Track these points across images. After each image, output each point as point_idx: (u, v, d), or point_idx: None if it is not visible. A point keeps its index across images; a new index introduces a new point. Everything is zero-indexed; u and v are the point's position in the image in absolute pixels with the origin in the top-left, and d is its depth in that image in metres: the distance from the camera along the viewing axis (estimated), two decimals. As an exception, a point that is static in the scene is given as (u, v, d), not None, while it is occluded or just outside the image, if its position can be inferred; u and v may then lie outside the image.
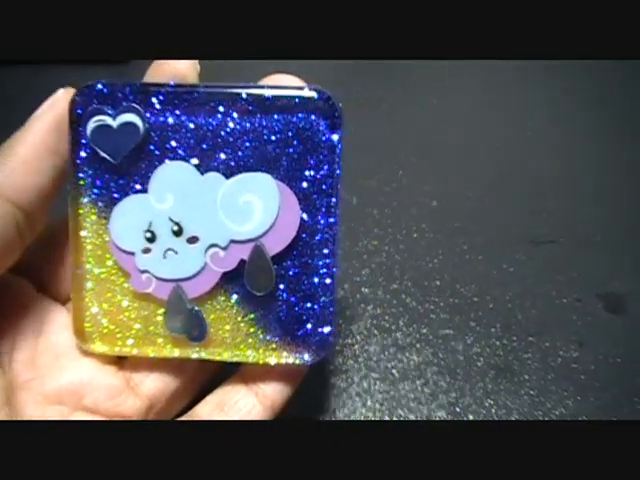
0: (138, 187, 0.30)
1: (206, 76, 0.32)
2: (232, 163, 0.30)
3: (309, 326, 0.32)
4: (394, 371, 0.42)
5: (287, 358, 0.32)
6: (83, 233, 0.31)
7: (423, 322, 0.44)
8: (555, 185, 0.55)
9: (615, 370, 0.42)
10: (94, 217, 0.31)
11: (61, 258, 0.33)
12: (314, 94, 0.30)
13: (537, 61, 0.62)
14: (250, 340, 0.32)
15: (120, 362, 0.33)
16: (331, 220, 0.31)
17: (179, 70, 0.31)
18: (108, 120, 0.30)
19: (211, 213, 0.30)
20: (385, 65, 0.66)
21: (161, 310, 0.31)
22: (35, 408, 0.30)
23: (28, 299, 0.32)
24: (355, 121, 0.56)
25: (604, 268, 0.49)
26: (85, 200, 0.31)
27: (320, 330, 0.32)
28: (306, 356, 0.32)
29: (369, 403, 0.40)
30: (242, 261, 0.30)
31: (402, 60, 0.64)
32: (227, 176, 0.30)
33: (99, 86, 0.30)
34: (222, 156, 0.30)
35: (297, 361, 0.32)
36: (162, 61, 0.31)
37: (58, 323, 0.33)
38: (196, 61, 0.32)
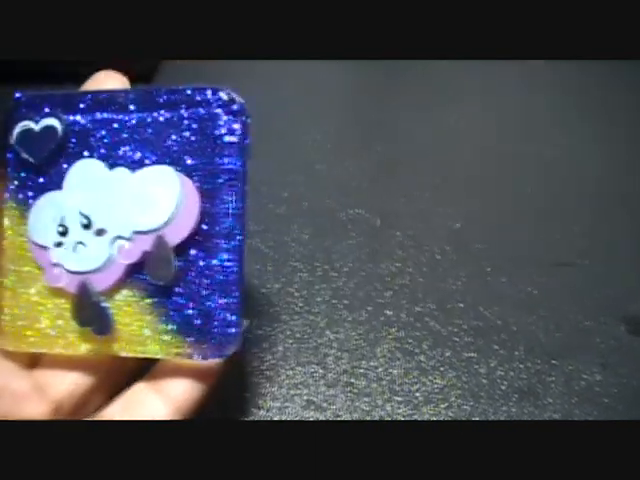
0: (56, 186, 0.32)
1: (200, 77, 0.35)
2: (139, 158, 0.32)
3: (214, 322, 0.31)
4: (417, 394, 0.42)
5: (195, 354, 0.31)
6: (7, 232, 0.33)
7: (446, 345, 0.45)
8: (578, 206, 0.55)
9: (638, 393, 0.42)
10: (16, 217, 0.33)
11: None
12: (218, 91, 0.31)
13: (562, 79, 0.65)
14: (156, 335, 0.32)
15: (32, 362, 0.33)
16: (235, 211, 0.31)
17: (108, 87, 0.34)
18: (31, 124, 0.32)
19: (117, 205, 0.31)
20: (401, 82, 0.67)
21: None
22: None
23: None
24: (375, 142, 0.56)
25: (627, 290, 0.49)
26: (9, 200, 0.33)
27: (227, 324, 0.31)
28: (213, 352, 0.31)
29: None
30: (146, 253, 0.31)
31: (420, 79, 0.66)
32: (134, 170, 0.31)
33: (25, 96, 0.33)
34: (130, 151, 0.32)
35: (203, 357, 0.31)
36: (96, 77, 0.35)
37: None
38: (125, 79, 0.35)
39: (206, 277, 0.31)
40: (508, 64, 0.66)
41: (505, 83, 0.67)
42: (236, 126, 0.31)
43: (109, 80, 0.34)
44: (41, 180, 0.33)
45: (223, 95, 0.31)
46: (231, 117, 0.31)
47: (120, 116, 0.32)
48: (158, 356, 0.31)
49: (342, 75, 0.66)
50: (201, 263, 0.31)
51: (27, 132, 0.33)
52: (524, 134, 0.61)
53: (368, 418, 0.40)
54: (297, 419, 0.40)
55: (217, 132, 0.31)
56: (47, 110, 0.32)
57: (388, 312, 0.46)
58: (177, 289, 0.31)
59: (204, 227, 0.31)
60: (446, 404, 0.42)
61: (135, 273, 0.31)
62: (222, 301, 0.31)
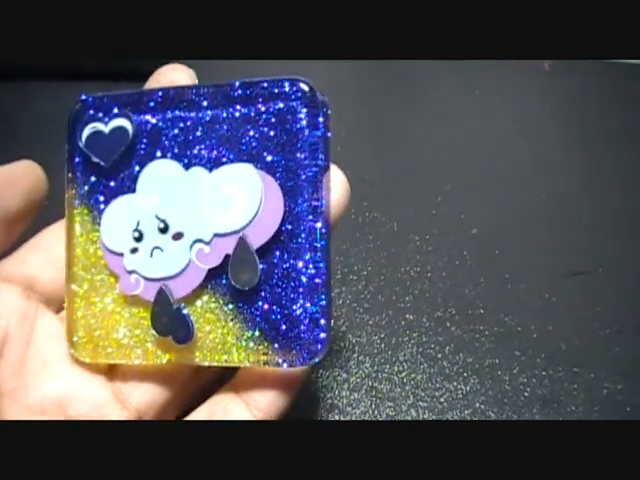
0: (128, 189, 0.32)
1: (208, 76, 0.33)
2: (215, 156, 0.31)
3: (302, 326, 0.30)
4: (442, 399, 0.42)
5: (280, 361, 0.30)
6: (78, 239, 0.32)
7: (469, 351, 0.45)
8: (596, 213, 0.55)
9: None
10: (88, 223, 0.32)
11: (53, 264, 0.33)
12: (297, 83, 0.30)
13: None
14: (239, 343, 0.31)
15: (111, 372, 0.33)
16: (318, 211, 0.30)
17: (176, 81, 0.33)
18: (100, 126, 0.32)
19: (194, 207, 0.30)
20: (419, 86, 0.67)
21: (149, 313, 0.31)
22: (17, 418, 0.31)
23: (16, 306, 0.32)
24: (391, 147, 0.56)
25: None
26: (79, 206, 0.32)
27: (314, 330, 0.30)
28: (301, 358, 0.30)
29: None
30: (227, 257, 0.30)
31: (435, 80, 0.66)
32: (210, 170, 0.30)
33: (93, 97, 0.32)
34: (205, 150, 0.31)
35: (290, 364, 0.30)
36: (160, 71, 0.34)
37: (49, 331, 0.33)
38: (192, 72, 0.34)
39: (291, 280, 0.30)
40: (524, 64, 0.67)
41: (522, 85, 0.67)
42: (317, 119, 0.30)
43: (175, 73, 0.33)
44: (112, 184, 0.32)
45: (303, 86, 0.30)
46: (312, 110, 0.30)
47: (192, 113, 0.31)
48: (243, 364, 0.31)
49: (356, 75, 0.67)
50: (285, 265, 0.30)
51: (96, 134, 0.32)
52: (543, 139, 0.62)
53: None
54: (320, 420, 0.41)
55: (297, 126, 0.30)
56: (116, 111, 0.32)
57: (409, 316, 0.47)
58: (261, 293, 0.30)
59: (288, 227, 0.30)
60: (470, 410, 0.42)
61: (216, 277, 0.31)
62: (309, 304, 0.30)
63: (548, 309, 0.48)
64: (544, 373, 0.44)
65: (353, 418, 0.40)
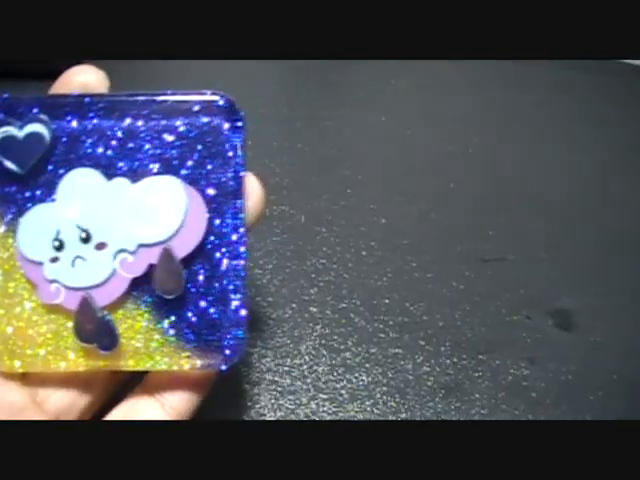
0: (46, 197, 0.31)
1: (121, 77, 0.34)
2: (138, 167, 0.31)
3: (221, 330, 0.31)
4: (343, 392, 0.43)
5: (201, 364, 0.31)
6: None
7: (372, 341, 0.46)
8: (502, 201, 0.57)
9: (566, 387, 0.44)
10: (1, 230, 0.32)
11: None
12: (216, 97, 0.31)
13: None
14: (162, 348, 0.32)
15: (26, 377, 0.33)
16: (238, 222, 0.31)
17: (87, 83, 0.32)
18: (14, 131, 0.31)
19: (118, 218, 0.31)
20: (331, 81, 0.67)
21: (71, 322, 0.31)
22: None
23: None
24: (301, 139, 0.55)
25: (553, 285, 0.51)
26: None
27: (232, 334, 0.31)
28: (219, 361, 0.31)
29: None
30: (151, 266, 0.31)
31: (348, 76, 0.64)
32: (134, 180, 0.31)
33: (4, 99, 0.31)
34: (128, 161, 0.31)
35: (211, 367, 0.32)
36: (70, 72, 0.32)
37: None
38: (103, 73, 0.32)
39: (211, 287, 0.31)
40: (441, 64, 0.68)
41: (436, 83, 0.68)
42: (238, 133, 0.31)
43: (86, 75, 0.32)
44: (28, 191, 0.31)
45: (225, 101, 0.31)
46: (232, 124, 0.31)
47: (112, 122, 0.31)
48: (165, 368, 0.32)
49: (264, 71, 0.67)
50: (207, 274, 0.32)
51: (9, 139, 0.31)
52: (449, 131, 0.63)
53: (293, 416, 0.42)
54: (219, 419, 0.40)
55: (219, 140, 0.31)
56: (31, 115, 0.31)
57: (313, 309, 0.48)
58: (182, 300, 0.31)
59: (211, 238, 0.31)
60: (371, 401, 0.43)
61: (139, 286, 0.31)
62: (228, 310, 0.31)
63: (455, 297, 0.50)
64: (448, 361, 0.45)
65: (252, 413, 0.39)
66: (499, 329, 0.47)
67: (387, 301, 0.48)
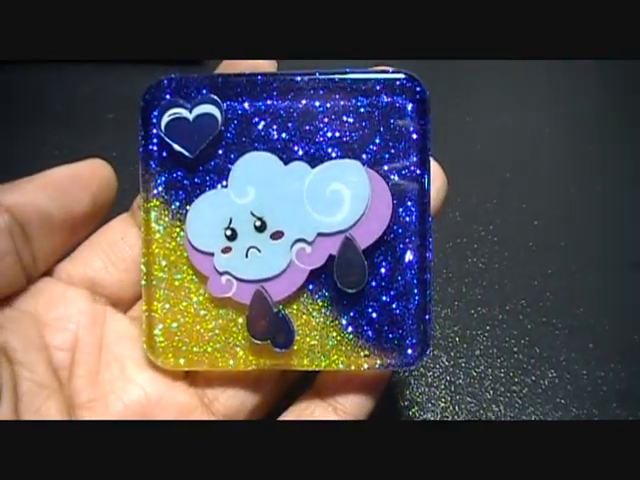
0: (216, 183, 0.30)
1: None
2: (317, 151, 0.29)
3: (404, 328, 0.29)
4: (521, 394, 0.41)
5: (380, 364, 0.30)
6: (156, 236, 0.30)
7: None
8: None
9: None
10: (167, 219, 0.30)
11: (116, 265, 0.32)
12: (399, 75, 0.29)
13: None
14: (340, 346, 0.30)
15: (192, 376, 0.32)
16: (423, 211, 0.29)
17: (256, 66, 0.31)
18: (184, 112, 0.29)
19: (296, 205, 0.29)
20: (464, 81, 0.61)
21: (242, 318, 0.30)
22: None
23: (84, 309, 0.31)
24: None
25: None
26: (157, 201, 0.30)
27: (416, 332, 0.29)
28: (401, 361, 0.30)
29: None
30: (330, 257, 0.29)
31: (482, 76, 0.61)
32: (312, 165, 0.29)
33: (172, 80, 0.30)
34: (306, 144, 0.29)
35: (391, 367, 0.30)
36: (232, 62, 0.31)
37: (121, 334, 0.32)
38: (274, 61, 0.32)
39: (394, 281, 0.29)
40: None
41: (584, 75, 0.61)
42: (423, 116, 0.29)
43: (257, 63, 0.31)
44: (197, 177, 0.30)
45: (411, 80, 0.29)
46: (419, 106, 0.29)
47: (286, 102, 0.29)
48: (344, 368, 0.30)
49: None
50: (390, 265, 0.30)
51: (178, 121, 0.29)
52: (598, 130, 0.57)
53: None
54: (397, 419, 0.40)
55: (403, 122, 0.29)
56: (202, 96, 0.30)
57: (481, 310, 0.45)
58: (363, 294, 0.30)
59: (394, 227, 0.29)
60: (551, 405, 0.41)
61: (317, 279, 0.30)
62: (412, 306, 0.29)
63: (617, 301, 0.45)
64: (620, 367, 0.42)
65: (429, 415, 0.40)
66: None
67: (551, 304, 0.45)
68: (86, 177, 0.30)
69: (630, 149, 0.55)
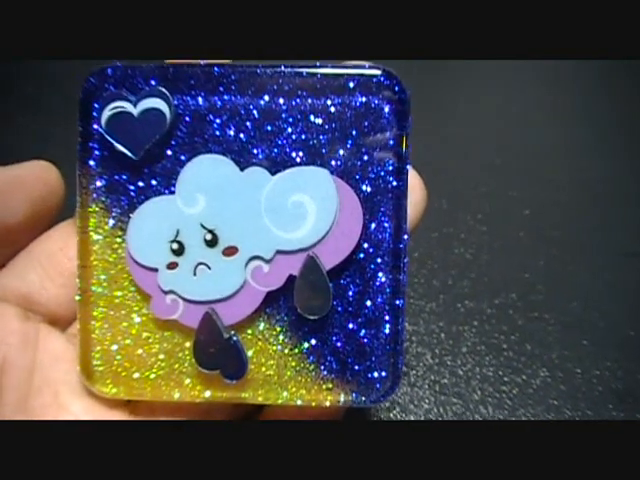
0: (163, 188, 0.27)
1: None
2: (279, 155, 0.27)
3: (372, 359, 0.27)
4: (511, 395, 0.40)
5: (344, 400, 0.27)
6: (94, 247, 0.28)
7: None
8: None
9: None
10: (107, 227, 0.28)
11: (54, 279, 0.29)
12: (376, 72, 0.26)
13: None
14: (300, 378, 0.28)
15: (134, 404, 0.30)
16: (399, 227, 0.27)
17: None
18: (128, 107, 0.26)
19: (253, 218, 0.27)
20: (449, 66, 0.60)
21: (189, 342, 0.28)
22: None
23: (15, 329, 0.28)
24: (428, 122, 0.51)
25: None
26: (96, 206, 0.28)
27: (386, 364, 0.27)
28: (370, 396, 0.27)
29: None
30: (290, 278, 0.27)
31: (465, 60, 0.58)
32: (273, 171, 0.27)
33: (117, 68, 0.27)
34: (267, 147, 0.27)
35: (356, 404, 0.28)
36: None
37: (56, 355, 0.29)
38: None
39: (363, 306, 0.27)
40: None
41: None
42: (402, 117, 0.26)
43: None
44: (142, 180, 0.27)
45: (382, 76, 0.26)
46: (395, 106, 0.26)
47: (246, 98, 0.27)
48: (303, 402, 0.28)
49: None
50: (358, 288, 0.27)
51: (122, 117, 0.26)
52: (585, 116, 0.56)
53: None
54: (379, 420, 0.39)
55: (378, 125, 0.26)
56: (149, 88, 0.27)
57: (469, 304, 0.43)
58: (327, 320, 0.27)
59: (364, 245, 0.27)
60: (544, 407, 0.39)
61: (274, 302, 0.27)
62: (381, 335, 0.27)
63: (612, 292, 0.44)
64: (616, 365, 0.41)
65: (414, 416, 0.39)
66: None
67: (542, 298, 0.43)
68: (26, 182, 0.28)
69: (623, 136, 0.54)
